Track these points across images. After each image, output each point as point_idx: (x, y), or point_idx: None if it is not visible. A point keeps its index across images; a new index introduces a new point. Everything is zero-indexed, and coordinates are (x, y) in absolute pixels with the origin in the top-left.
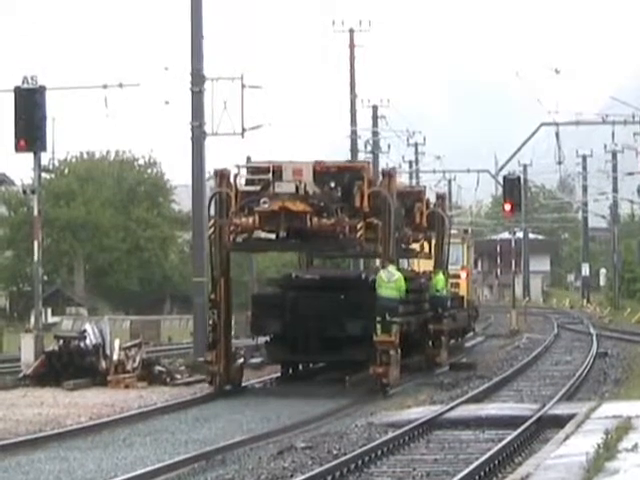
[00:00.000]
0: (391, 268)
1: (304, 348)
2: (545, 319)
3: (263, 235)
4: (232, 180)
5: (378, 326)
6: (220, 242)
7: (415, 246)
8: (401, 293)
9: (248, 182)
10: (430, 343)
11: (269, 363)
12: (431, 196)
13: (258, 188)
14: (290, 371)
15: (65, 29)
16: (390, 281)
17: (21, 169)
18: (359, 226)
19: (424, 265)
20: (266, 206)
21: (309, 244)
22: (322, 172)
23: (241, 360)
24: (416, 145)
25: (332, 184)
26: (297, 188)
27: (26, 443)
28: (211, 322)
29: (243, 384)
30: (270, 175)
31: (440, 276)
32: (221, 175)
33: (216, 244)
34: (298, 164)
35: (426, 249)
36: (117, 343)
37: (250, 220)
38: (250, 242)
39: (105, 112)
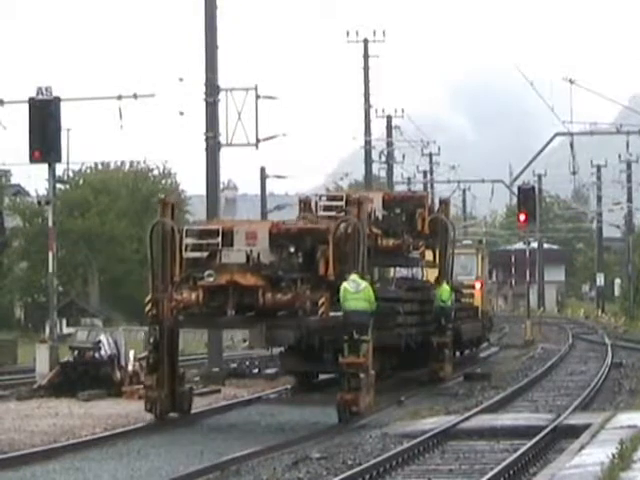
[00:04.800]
0: (355, 277)
1: (318, 358)
2: (560, 329)
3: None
4: (177, 235)
5: (345, 346)
6: (160, 319)
7: (416, 254)
8: (371, 305)
9: (195, 248)
10: (434, 356)
11: (284, 373)
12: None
13: (205, 255)
14: (305, 381)
15: (80, 41)
16: (357, 291)
17: (36, 180)
18: (321, 300)
19: (432, 274)
20: (211, 280)
21: (263, 322)
22: (280, 235)
23: (188, 385)
24: (430, 155)
25: (292, 249)
26: (248, 258)
27: (41, 454)
28: (152, 340)
29: (257, 395)
30: (219, 239)
31: (445, 286)
32: (164, 204)
33: (155, 321)
34: (253, 225)
35: (429, 257)
36: (132, 354)
37: (193, 296)
38: (194, 319)
39: (120, 123)
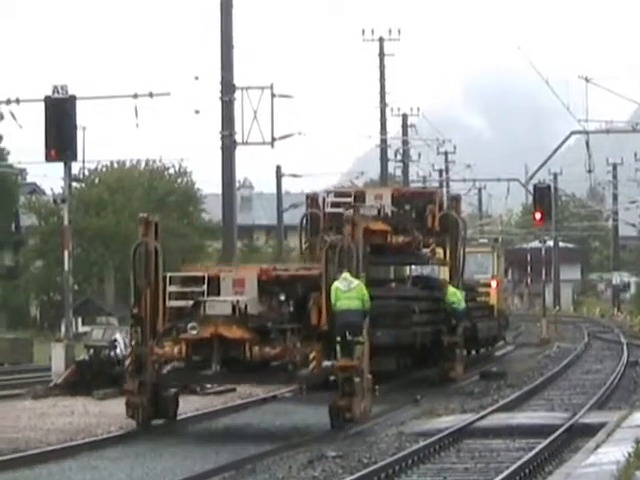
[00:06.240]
0: (346, 275)
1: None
2: (575, 328)
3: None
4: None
5: (337, 348)
6: (142, 319)
7: (426, 251)
8: (365, 303)
9: (179, 296)
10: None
11: None
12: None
13: (190, 304)
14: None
15: (96, 39)
16: (349, 289)
17: (52, 179)
18: (313, 354)
19: (447, 272)
20: (194, 332)
21: (251, 377)
22: (269, 282)
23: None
24: (446, 154)
25: (282, 297)
26: (234, 308)
27: (57, 452)
28: (134, 342)
29: (273, 394)
30: (205, 287)
31: (451, 290)
32: (146, 223)
33: (138, 322)
34: (240, 271)
35: (440, 254)
36: None
37: (175, 349)
38: (178, 374)
39: (135, 121)
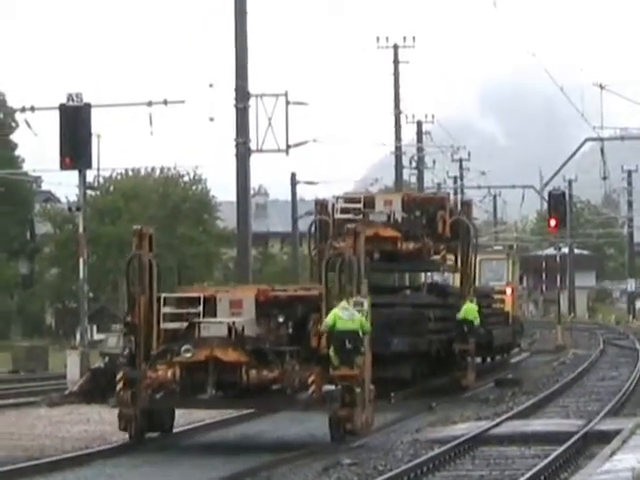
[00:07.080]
0: (345, 304)
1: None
2: (591, 335)
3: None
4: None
5: (334, 356)
6: (137, 328)
7: (437, 257)
8: (365, 329)
9: (173, 318)
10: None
11: None
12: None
13: (185, 325)
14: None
15: (110, 47)
16: (350, 319)
17: (66, 187)
18: (312, 378)
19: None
20: (188, 355)
21: (248, 401)
22: (268, 303)
23: None
24: (460, 161)
25: (281, 318)
26: (230, 330)
27: (72, 460)
28: (127, 352)
29: None
30: (200, 308)
31: (469, 306)
32: (140, 235)
33: (132, 331)
34: (238, 292)
35: (450, 261)
36: None
37: (169, 373)
38: (172, 398)
39: (150, 129)
